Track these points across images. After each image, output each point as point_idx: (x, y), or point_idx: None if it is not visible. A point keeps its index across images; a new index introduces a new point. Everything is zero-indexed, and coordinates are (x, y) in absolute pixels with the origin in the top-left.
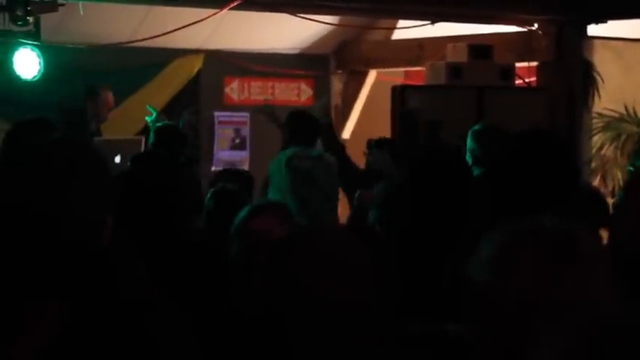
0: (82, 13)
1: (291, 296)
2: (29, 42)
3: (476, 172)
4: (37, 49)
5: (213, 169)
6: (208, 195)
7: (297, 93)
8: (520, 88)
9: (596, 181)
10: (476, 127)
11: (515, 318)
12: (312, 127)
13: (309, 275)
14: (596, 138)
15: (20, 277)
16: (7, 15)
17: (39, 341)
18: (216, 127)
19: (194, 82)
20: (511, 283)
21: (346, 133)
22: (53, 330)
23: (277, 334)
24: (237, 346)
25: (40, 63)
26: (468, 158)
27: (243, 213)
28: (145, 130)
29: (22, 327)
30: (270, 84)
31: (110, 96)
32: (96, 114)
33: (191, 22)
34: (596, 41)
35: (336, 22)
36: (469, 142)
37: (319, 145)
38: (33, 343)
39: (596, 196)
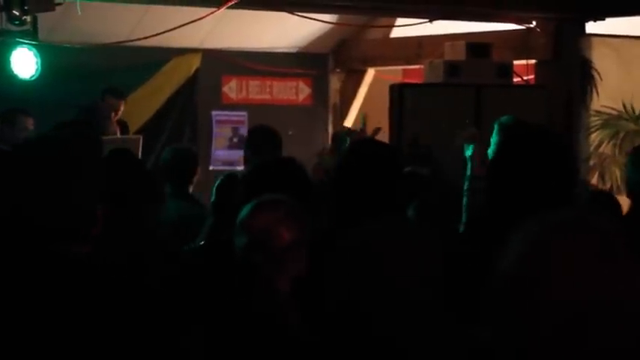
0: (79, 12)
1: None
2: (26, 41)
3: None
4: (34, 49)
5: (210, 168)
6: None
7: (295, 92)
8: (518, 86)
9: (594, 179)
10: (502, 119)
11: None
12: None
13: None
14: (594, 135)
15: None
16: (4, 14)
17: None
18: (214, 126)
19: (192, 81)
20: (551, 279)
21: None
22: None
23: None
24: (247, 341)
25: (37, 62)
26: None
27: (246, 209)
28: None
29: None
30: (268, 83)
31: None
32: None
33: (189, 20)
34: (595, 39)
35: (334, 20)
36: (494, 134)
37: None
38: None
39: (609, 198)
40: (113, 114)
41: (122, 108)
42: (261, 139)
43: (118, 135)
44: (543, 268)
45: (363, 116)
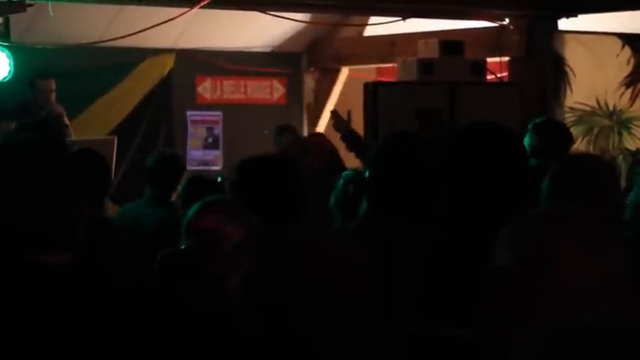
0: (51, 13)
1: (295, 297)
2: None
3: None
4: (6, 50)
5: (187, 168)
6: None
7: (269, 91)
8: (492, 84)
9: None
10: (537, 120)
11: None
12: None
13: (314, 276)
14: None
15: None
16: None
17: None
18: (189, 126)
19: (166, 82)
20: (548, 270)
21: (320, 130)
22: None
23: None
24: (192, 339)
25: (9, 64)
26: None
27: (192, 210)
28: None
29: None
30: (242, 82)
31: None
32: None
33: (162, 21)
34: (568, 35)
35: (307, 19)
36: (529, 134)
37: None
38: None
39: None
40: (49, 95)
41: (54, 86)
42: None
43: (65, 115)
44: (540, 263)
45: (348, 111)
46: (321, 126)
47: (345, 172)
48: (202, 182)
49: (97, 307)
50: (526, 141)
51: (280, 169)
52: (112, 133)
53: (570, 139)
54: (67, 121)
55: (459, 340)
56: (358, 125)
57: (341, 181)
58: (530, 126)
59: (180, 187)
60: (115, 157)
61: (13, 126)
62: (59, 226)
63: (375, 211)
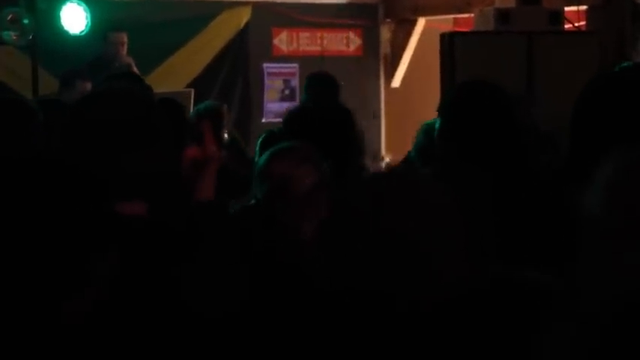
0: None
1: (381, 240)
2: None
3: None
4: (83, 4)
5: (263, 120)
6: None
7: (345, 43)
8: (570, 33)
9: None
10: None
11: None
12: None
13: (402, 220)
14: None
15: (73, 233)
16: None
17: (91, 297)
18: (266, 78)
19: (242, 35)
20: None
21: (396, 82)
22: (103, 285)
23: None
24: (275, 289)
25: (87, 17)
26: None
27: (263, 157)
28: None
29: (75, 285)
30: (318, 34)
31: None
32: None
33: None
34: None
35: None
36: None
37: None
38: (87, 298)
39: None
40: (120, 48)
41: (126, 40)
42: (320, 84)
43: (134, 66)
44: (628, 212)
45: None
46: (398, 78)
47: (426, 122)
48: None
49: (168, 256)
50: None
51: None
52: (189, 86)
53: None
54: (136, 72)
55: (534, 283)
56: (435, 77)
57: (422, 130)
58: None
59: (257, 141)
60: (192, 109)
61: (89, 86)
62: (136, 176)
63: (448, 158)
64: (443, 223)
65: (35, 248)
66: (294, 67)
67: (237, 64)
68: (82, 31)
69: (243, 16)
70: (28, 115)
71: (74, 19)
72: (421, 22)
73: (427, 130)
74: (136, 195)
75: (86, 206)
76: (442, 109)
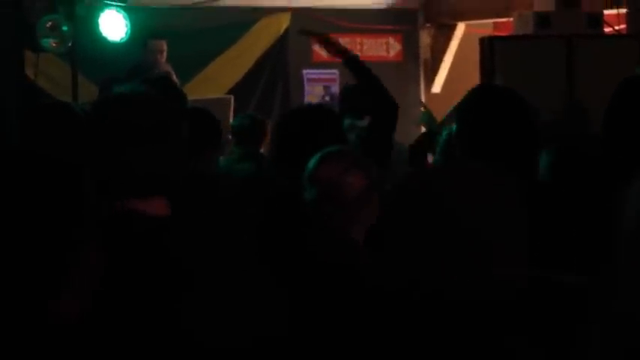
0: None
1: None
2: (115, 3)
3: None
4: (123, 11)
5: None
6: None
7: (385, 48)
8: (610, 37)
9: None
10: None
11: None
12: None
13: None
14: None
15: (63, 226)
16: None
17: (83, 291)
18: (306, 84)
19: (282, 41)
20: None
21: (436, 88)
22: (95, 278)
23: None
24: (318, 290)
25: (126, 25)
26: None
27: (312, 161)
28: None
29: (66, 280)
30: (358, 40)
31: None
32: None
33: None
34: None
35: None
36: None
37: None
38: (77, 294)
39: None
40: (159, 56)
41: (165, 48)
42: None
43: (173, 74)
44: None
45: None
46: (438, 83)
47: (450, 126)
48: None
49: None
50: None
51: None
52: (229, 93)
53: None
54: (175, 79)
55: (569, 285)
56: (475, 82)
57: (444, 133)
58: None
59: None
60: (232, 116)
61: None
62: (156, 175)
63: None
64: (507, 217)
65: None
66: (334, 73)
67: (277, 70)
68: (122, 39)
69: (283, 22)
70: (75, 118)
71: (113, 26)
72: (461, 27)
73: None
74: (153, 193)
75: (56, 199)
76: (459, 111)
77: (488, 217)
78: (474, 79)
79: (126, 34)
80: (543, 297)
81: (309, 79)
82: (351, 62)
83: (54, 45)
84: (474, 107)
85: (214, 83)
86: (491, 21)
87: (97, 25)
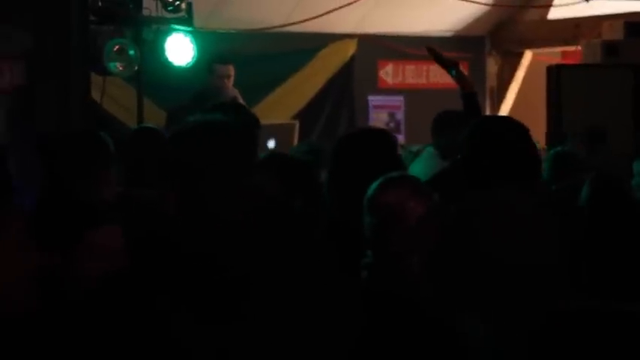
0: None
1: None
2: (182, 27)
3: None
4: (190, 35)
5: None
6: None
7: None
8: None
9: None
10: None
11: None
12: None
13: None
14: None
15: None
16: (158, 1)
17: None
18: (371, 111)
19: (348, 67)
20: None
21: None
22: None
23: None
24: (381, 324)
25: (193, 49)
26: None
27: (373, 187)
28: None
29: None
30: (424, 67)
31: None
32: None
33: (344, 4)
34: None
35: (491, 2)
36: None
37: None
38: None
39: None
40: (226, 80)
41: (232, 72)
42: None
43: (240, 98)
44: None
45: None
46: (504, 111)
47: (554, 150)
48: None
49: None
50: None
51: None
52: (294, 118)
53: None
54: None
55: (633, 315)
56: (542, 109)
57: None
58: None
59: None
60: (297, 141)
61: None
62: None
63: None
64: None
65: None
66: (399, 99)
67: (343, 96)
68: (189, 63)
69: (350, 48)
70: (98, 146)
71: (180, 51)
72: (528, 55)
73: (555, 157)
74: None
75: None
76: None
77: (529, 252)
78: (540, 107)
79: (192, 58)
80: (591, 325)
81: (374, 106)
82: (468, 97)
83: (120, 69)
84: (481, 135)
85: (280, 108)
86: (559, 49)
87: (163, 49)
